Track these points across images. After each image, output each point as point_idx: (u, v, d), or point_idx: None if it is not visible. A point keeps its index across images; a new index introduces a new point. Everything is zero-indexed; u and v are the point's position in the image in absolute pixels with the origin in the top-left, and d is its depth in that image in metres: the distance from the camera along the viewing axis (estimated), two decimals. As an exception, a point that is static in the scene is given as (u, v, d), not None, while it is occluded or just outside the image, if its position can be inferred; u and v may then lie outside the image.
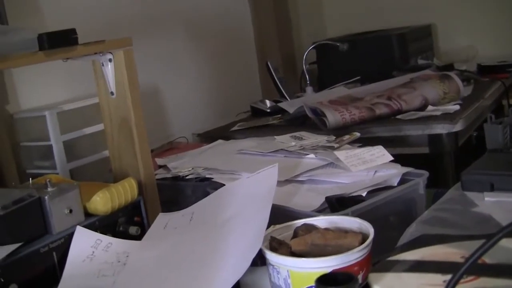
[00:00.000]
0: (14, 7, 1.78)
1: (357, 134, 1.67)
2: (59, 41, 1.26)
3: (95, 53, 1.40)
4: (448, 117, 2.00)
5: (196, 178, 1.60)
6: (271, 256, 1.01)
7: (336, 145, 1.60)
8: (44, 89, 1.93)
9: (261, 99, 2.62)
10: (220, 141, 1.94)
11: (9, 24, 1.68)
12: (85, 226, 1.26)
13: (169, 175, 1.67)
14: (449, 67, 2.74)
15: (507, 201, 1.13)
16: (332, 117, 2.00)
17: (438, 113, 2.04)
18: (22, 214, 1.17)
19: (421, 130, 1.99)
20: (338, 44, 2.81)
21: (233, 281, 1.04)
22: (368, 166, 1.44)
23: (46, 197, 1.20)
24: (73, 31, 1.29)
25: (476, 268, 0.78)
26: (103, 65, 1.42)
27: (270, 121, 2.34)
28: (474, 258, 0.73)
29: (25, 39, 1.22)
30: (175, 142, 2.18)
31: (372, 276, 0.91)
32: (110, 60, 1.41)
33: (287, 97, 2.59)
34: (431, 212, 1.13)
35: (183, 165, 1.69)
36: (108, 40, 1.38)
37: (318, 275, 0.90)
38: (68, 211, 1.24)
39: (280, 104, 2.43)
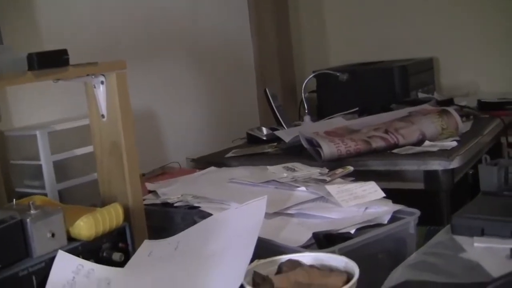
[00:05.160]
0: (12, 25, 1.77)
1: (350, 168, 1.65)
2: (50, 62, 1.25)
3: (87, 75, 1.38)
4: (445, 153, 1.98)
5: (185, 205, 1.58)
6: (251, 293, 0.99)
7: (328, 179, 1.58)
8: (38, 108, 1.92)
9: (258, 126, 2.60)
10: (212, 168, 1.92)
11: (4, 43, 1.67)
12: (67, 251, 1.24)
13: (158, 201, 1.65)
14: (449, 101, 2.72)
15: (496, 248, 1.11)
16: (328, 148, 1.98)
17: (435, 149, 2.02)
18: (3, 236, 1.16)
19: (417, 166, 1.97)
20: (338, 74, 2.79)
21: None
22: (359, 202, 1.42)
23: (28, 219, 1.19)
24: (64, 52, 1.27)
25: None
26: (95, 87, 1.41)
27: (266, 149, 2.32)
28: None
29: (15, 59, 1.20)
30: (167, 167, 2.16)
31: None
32: (102, 83, 1.40)
33: (284, 126, 2.57)
34: (418, 255, 1.11)
35: (173, 191, 1.67)
36: (101, 62, 1.36)
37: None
38: (51, 235, 1.22)
39: (276, 133, 2.40)
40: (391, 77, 2.89)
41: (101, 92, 1.40)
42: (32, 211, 1.21)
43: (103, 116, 1.42)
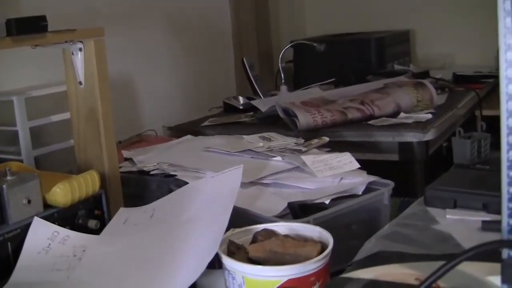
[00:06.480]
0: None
1: (326, 139, 1.66)
2: (28, 28, 1.24)
3: (66, 42, 1.38)
4: (419, 125, 1.99)
5: (161, 173, 1.58)
6: (227, 261, 1.00)
7: (304, 149, 1.59)
8: (15, 73, 1.90)
9: (234, 96, 2.60)
10: (188, 136, 1.92)
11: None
12: (43, 218, 1.24)
13: (134, 169, 1.65)
14: (425, 74, 2.74)
15: (468, 220, 1.12)
16: (304, 118, 1.99)
17: (410, 121, 2.04)
18: (-22, 203, 1.15)
19: (392, 137, 1.98)
20: (315, 45, 2.79)
21: (189, 283, 1.03)
22: (334, 173, 1.43)
23: (4, 186, 1.18)
24: (43, 18, 1.26)
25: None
26: (73, 54, 1.40)
27: (242, 118, 2.32)
28: (429, 282, 0.72)
29: (-8, 24, 1.20)
30: (144, 135, 2.16)
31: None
32: (80, 50, 1.39)
33: (261, 95, 2.58)
34: (391, 226, 1.12)
35: (149, 159, 1.67)
36: (79, 29, 1.36)
37: (273, 284, 0.89)
38: (27, 201, 1.22)
39: (252, 102, 2.41)
40: (368, 49, 2.90)
41: (79, 59, 1.40)
42: (8, 177, 1.21)
43: (80, 83, 1.41)
